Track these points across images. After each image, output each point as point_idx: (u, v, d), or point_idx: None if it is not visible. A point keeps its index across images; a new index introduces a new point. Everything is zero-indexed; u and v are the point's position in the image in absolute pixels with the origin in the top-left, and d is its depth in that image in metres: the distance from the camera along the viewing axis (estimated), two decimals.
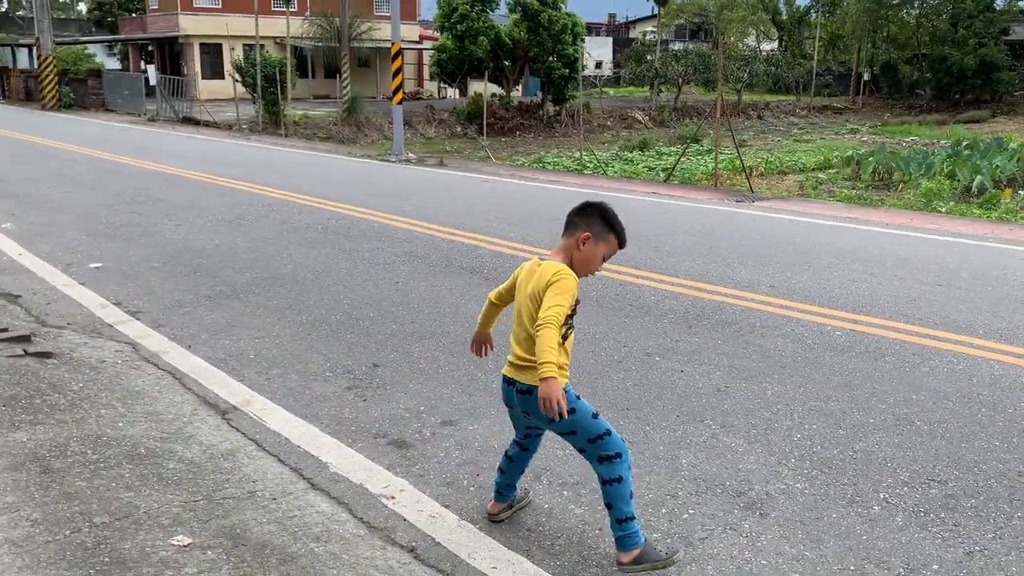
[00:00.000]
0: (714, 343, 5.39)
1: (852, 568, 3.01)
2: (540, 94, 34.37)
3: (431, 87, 43.85)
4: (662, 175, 16.61)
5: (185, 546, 2.93)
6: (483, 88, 30.32)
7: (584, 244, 3.00)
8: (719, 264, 7.52)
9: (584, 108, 32.85)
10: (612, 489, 2.98)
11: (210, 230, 8.92)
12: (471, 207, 10.81)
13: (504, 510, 3.35)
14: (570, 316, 2.94)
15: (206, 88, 35.94)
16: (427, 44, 40.09)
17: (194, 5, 38.96)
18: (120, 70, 43.56)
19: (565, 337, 2.96)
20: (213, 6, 39.21)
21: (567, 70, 30.79)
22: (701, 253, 8.00)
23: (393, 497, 3.48)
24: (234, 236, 8.61)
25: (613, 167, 19.82)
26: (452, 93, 39.40)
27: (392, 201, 11.12)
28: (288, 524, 3.20)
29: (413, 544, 3.15)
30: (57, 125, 24.87)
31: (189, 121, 26.96)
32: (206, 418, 4.21)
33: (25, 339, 5.13)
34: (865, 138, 28.34)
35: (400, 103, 17.59)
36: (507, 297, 3.23)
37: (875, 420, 4.23)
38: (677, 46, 50.35)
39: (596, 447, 3.00)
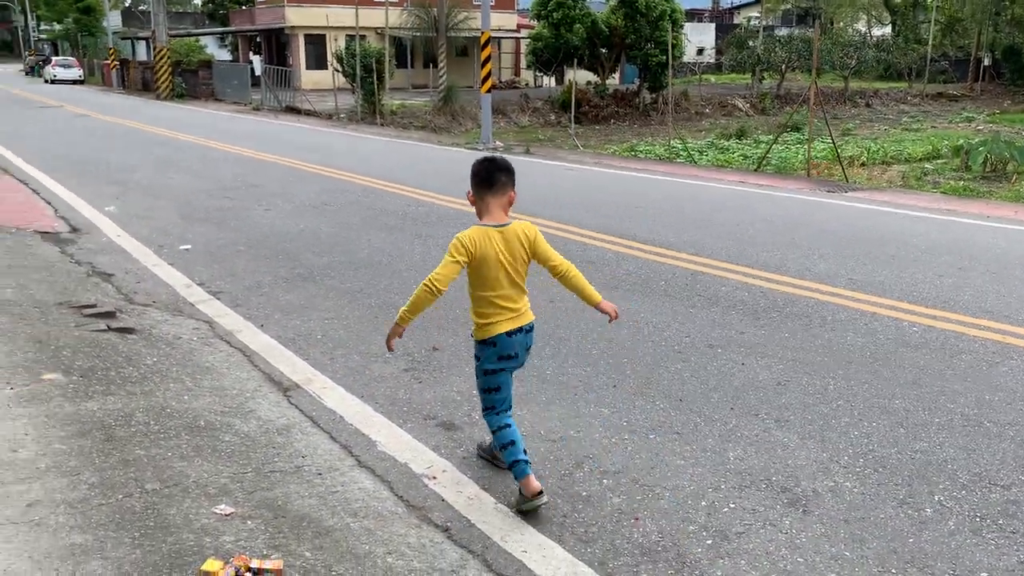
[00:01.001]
0: (780, 336, 5.24)
1: (893, 571, 2.89)
2: (637, 81, 33.94)
3: (527, 76, 43.89)
4: (755, 164, 16.17)
5: (227, 515, 3.06)
6: (577, 76, 30.13)
7: (514, 200, 3.51)
8: (798, 256, 7.29)
9: (682, 96, 32.32)
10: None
11: (296, 215, 9.22)
12: (549, 194, 10.79)
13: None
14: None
15: (309, 78, 37.04)
16: (524, 33, 40.13)
17: None
18: (230, 61, 45.30)
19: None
20: None
21: (665, 57, 30.27)
22: (781, 244, 7.77)
23: (435, 477, 3.54)
24: (318, 221, 8.87)
25: (707, 155, 19.39)
26: (548, 81, 39.34)
27: None
28: (329, 499, 3.30)
29: (448, 524, 3.20)
30: (168, 114, 26.10)
31: (291, 110, 27.84)
32: (268, 394, 4.37)
33: (110, 315, 5.44)
34: (981, 127, 26.80)
35: (489, 91, 17.67)
36: (454, 278, 3.37)
37: (940, 420, 4.04)
38: (783, 32, 48.78)
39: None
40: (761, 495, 3.40)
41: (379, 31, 34.37)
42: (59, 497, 3.05)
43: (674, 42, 29.87)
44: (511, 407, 3.45)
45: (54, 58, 55.56)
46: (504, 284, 3.41)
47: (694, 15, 60.53)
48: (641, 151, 20.37)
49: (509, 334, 3.42)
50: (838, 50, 36.88)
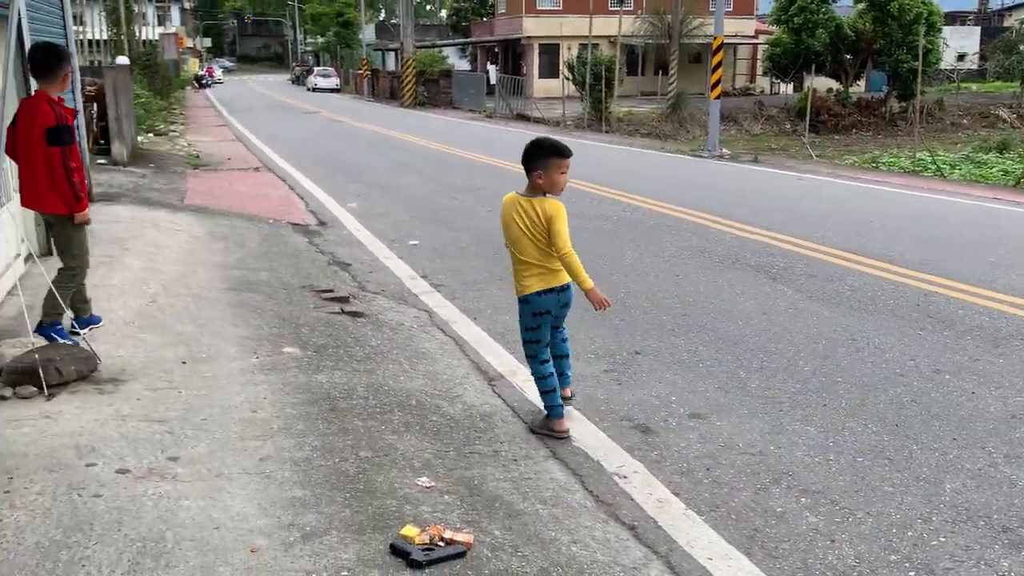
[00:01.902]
0: (1022, 366, 4.75)
1: None
2: (884, 89, 31.76)
3: (763, 83, 42.43)
4: (1015, 180, 14.62)
5: (427, 487, 3.29)
6: (817, 83, 28.71)
7: (541, 179, 3.78)
8: None
9: (935, 105, 29.82)
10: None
11: None
12: (773, 204, 10.41)
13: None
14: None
15: (541, 86, 38.11)
16: (762, 39, 38.82)
17: (537, 7, 41.42)
18: (469, 71, 47.65)
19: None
20: (554, 8, 41.40)
21: (917, 63, 28.10)
22: None
23: (626, 477, 3.58)
24: None
25: (959, 169, 17.81)
26: (785, 89, 37.79)
27: (691, 196, 11.07)
28: (522, 485, 3.44)
29: (634, 523, 3.23)
30: (409, 120, 27.92)
31: (521, 117, 28.81)
32: (475, 382, 4.61)
33: (344, 300, 5.96)
34: None
35: (718, 98, 17.31)
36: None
37: None
38: None
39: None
40: (978, 532, 3.12)
41: (612, 39, 34.74)
42: (286, 455, 3.42)
43: (929, 47, 27.67)
44: (550, 358, 3.96)
45: (315, 68, 61.20)
46: (527, 247, 3.83)
47: (956, 18, 55.57)
48: (884, 163, 19.08)
49: (539, 293, 3.87)
50: None
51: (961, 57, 50.18)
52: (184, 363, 4.36)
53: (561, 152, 3.81)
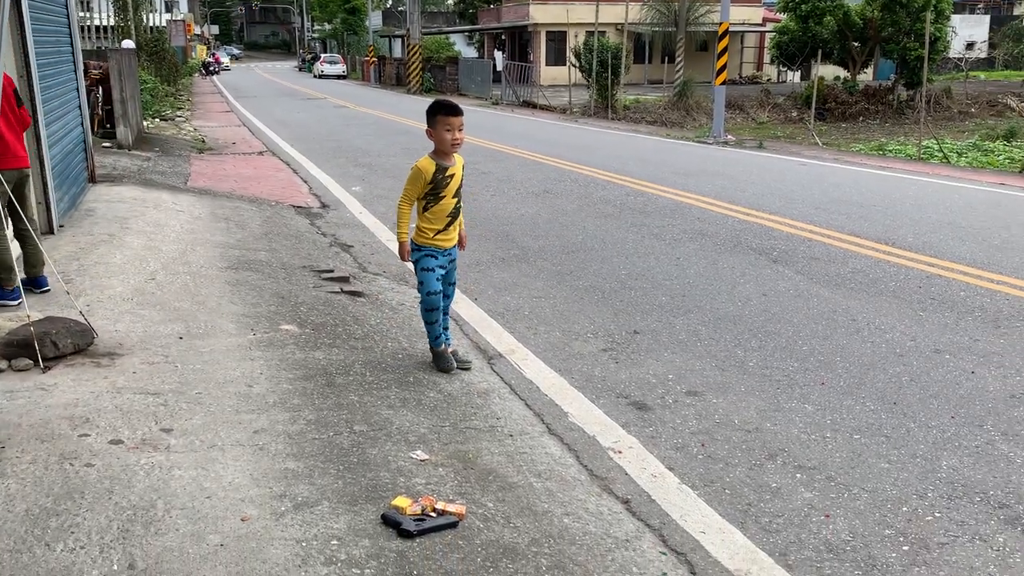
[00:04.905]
0: (1022, 346, 4.72)
1: None
2: (892, 77, 31.55)
3: (771, 71, 42.20)
4: (1021, 166, 14.51)
5: (422, 461, 3.28)
6: (824, 71, 28.53)
7: (430, 136, 4.19)
8: None
9: (943, 93, 29.61)
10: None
11: (519, 201, 9.54)
12: (775, 189, 10.35)
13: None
14: (431, 192, 4.17)
15: (547, 74, 37.97)
16: (769, 27, 38.59)
17: None
18: (476, 58, 47.48)
19: (428, 207, 4.19)
20: None
21: (925, 51, 27.89)
22: None
23: (620, 452, 3.57)
24: (538, 207, 9.13)
25: (966, 156, 17.69)
26: (792, 77, 37.59)
27: (694, 181, 11.03)
28: (517, 458, 3.43)
29: (628, 497, 3.22)
30: (414, 106, 27.81)
31: (527, 105, 28.71)
32: (474, 360, 4.59)
33: (344, 280, 5.95)
34: None
35: (723, 84, 17.21)
36: None
37: None
38: None
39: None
40: (974, 508, 3.11)
41: (619, 27, 34.55)
42: (280, 428, 3.42)
43: (937, 34, 27.46)
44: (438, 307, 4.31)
45: (322, 55, 61.10)
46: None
47: (964, 6, 55.10)
48: (890, 151, 18.96)
49: (417, 247, 4.31)
50: None
51: (970, 46, 49.76)
52: (181, 338, 4.36)
53: (445, 109, 4.10)
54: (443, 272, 4.29)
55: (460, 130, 4.14)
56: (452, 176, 4.22)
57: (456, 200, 4.26)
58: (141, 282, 5.29)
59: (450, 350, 4.41)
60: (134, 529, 2.63)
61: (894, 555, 2.84)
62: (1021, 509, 3.09)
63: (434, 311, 4.28)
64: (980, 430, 3.74)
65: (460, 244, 4.45)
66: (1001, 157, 17.60)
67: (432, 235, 4.21)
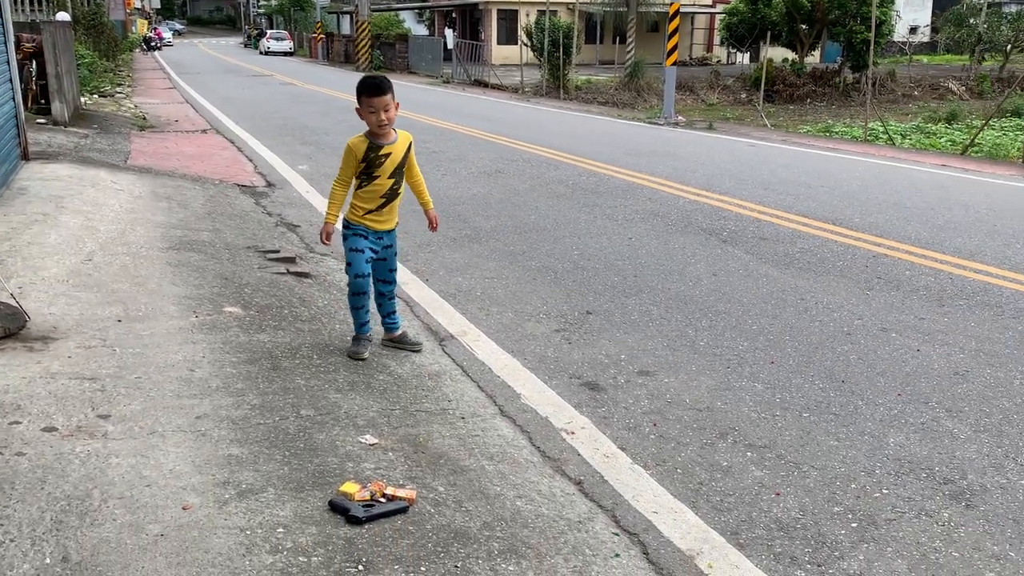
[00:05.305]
0: (965, 324, 4.81)
1: None
2: (839, 60, 32.01)
3: (720, 53, 42.51)
4: (962, 148, 14.86)
5: (371, 445, 3.21)
6: (773, 53, 28.83)
7: (359, 115, 3.98)
8: (998, 243, 6.65)
9: (888, 76, 30.15)
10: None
11: (470, 180, 9.45)
12: (725, 169, 10.42)
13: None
14: (365, 171, 4.02)
15: (498, 53, 37.68)
16: (719, 8, 38.84)
17: None
18: (427, 36, 46.93)
19: (361, 186, 4.05)
20: None
21: (871, 34, 28.33)
22: (980, 230, 7.11)
23: (573, 433, 3.54)
24: (490, 187, 9.05)
25: (910, 139, 18.07)
26: (742, 59, 37.90)
27: (646, 161, 11.05)
28: (468, 441, 3.38)
29: (581, 478, 3.19)
30: None
31: (479, 84, 28.48)
32: (424, 342, 4.52)
33: (290, 260, 5.82)
34: None
35: (674, 64, 17.25)
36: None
37: None
38: (1013, 8, 44.25)
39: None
40: (920, 484, 3.15)
41: (570, 6, 34.42)
42: (224, 414, 3.31)
43: (882, 18, 27.90)
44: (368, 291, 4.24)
45: (268, 31, 59.77)
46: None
47: None
48: (836, 132, 19.26)
49: (347, 224, 4.21)
50: None
51: (913, 30, 50.79)
52: (120, 321, 4.21)
53: (368, 90, 3.90)
54: (374, 255, 4.13)
55: (387, 110, 3.89)
56: (388, 156, 4.02)
57: (392, 181, 4.06)
58: (77, 263, 5.10)
59: (398, 333, 4.33)
60: (68, 520, 2.51)
61: (843, 532, 2.86)
62: (965, 484, 3.14)
63: (361, 295, 4.15)
64: (925, 407, 3.79)
65: (430, 225, 4.41)
66: (943, 139, 18.01)
67: (362, 214, 4.08)
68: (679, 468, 3.28)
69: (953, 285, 5.56)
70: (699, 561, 2.70)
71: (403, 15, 46.79)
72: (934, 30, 50.43)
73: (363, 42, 35.48)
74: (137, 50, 47.21)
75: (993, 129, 18.06)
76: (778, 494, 3.09)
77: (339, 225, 4.23)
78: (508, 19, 40.38)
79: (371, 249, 4.12)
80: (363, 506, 2.71)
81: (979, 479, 3.17)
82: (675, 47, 17.16)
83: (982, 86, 31.41)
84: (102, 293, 4.59)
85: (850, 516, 2.95)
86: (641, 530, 2.87)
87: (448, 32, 39.95)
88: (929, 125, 21.17)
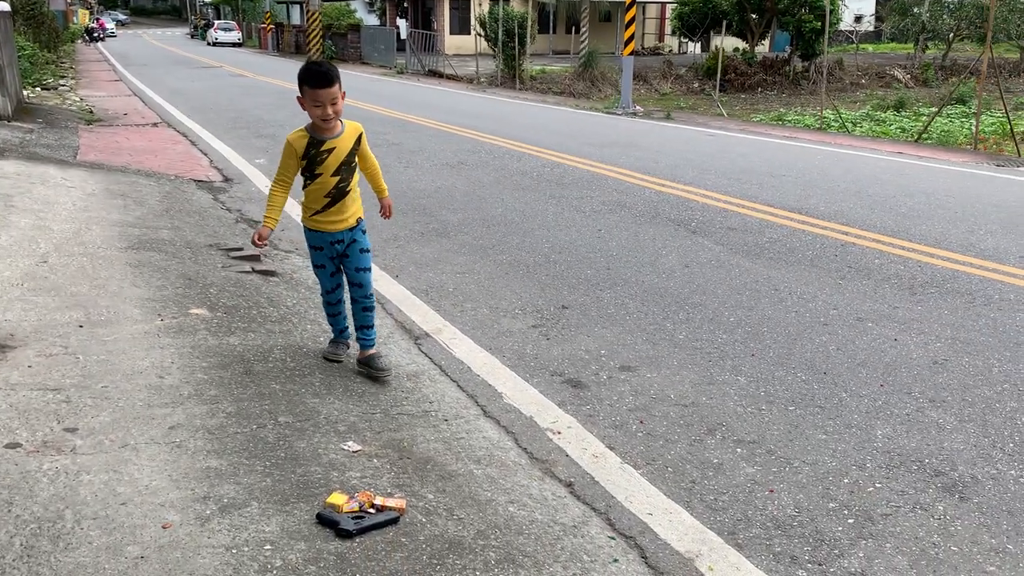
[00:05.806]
0: (939, 313, 4.85)
1: None
2: (788, 49, 32.39)
3: (672, 42, 42.75)
4: (915, 136, 15.13)
5: (354, 452, 3.09)
6: (724, 43, 29.04)
7: (303, 107, 3.60)
8: (961, 230, 6.74)
9: (836, 65, 30.58)
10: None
11: (434, 173, 9.31)
12: (687, 159, 10.43)
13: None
14: (306, 169, 3.71)
15: (452, 43, 37.41)
16: None
17: None
18: (379, 26, 46.38)
19: (305, 185, 3.77)
20: None
21: (819, 23, 28.71)
22: (942, 217, 7.20)
23: (559, 433, 3.46)
24: (454, 179, 8.92)
25: (861, 127, 18.35)
26: (693, 48, 38.17)
27: (608, 152, 11.01)
28: (454, 444, 3.29)
29: (571, 480, 3.12)
30: None
31: (433, 74, 28.24)
32: (399, 341, 4.41)
33: (255, 258, 5.64)
34: None
35: (631, 55, 17.26)
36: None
37: None
38: None
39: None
40: (912, 477, 3.14)
41: None
42: (198, 423, 3.16)
43: (831, 7, 28.26)
44: (334, 288, 4.00)
45: (216, 22, 58.56)
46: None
47: None
48: (789, 120, 19.47)
49: (305, 227, 3.96)
50: (1016, 17, 33.91)
51: (858, 19, 51.64)
52: (81, 327, 4.01)
53: (312, 80, 3.50)
54: (335, 261, 3.85)
55: (334, 103, 3.52)
56: (331, 151, 3.63)
57: (337, 179, 3.67)
58: (31, 266, 4.86)
59: (370, 352, 3.89)
60: (40, 545, 2.36)
61: (840, 528, 2.83)
62: (956, 476, 3.14)
63: (334, 304, 3.99)
64: (909, 397, 3.79)
65: (382, 212, 4.14)
66: (893, 127, 18.32)
67: (309, 215, 3.78)
68: (670, 467, 3.23)
69: (923, 273, 5.60)
70: (699, 563, 2.65)
71: (354, 5, 46.21)
72: (879, 19, 51.38)
73: (315, 32, 34.89)
74: (79, 41, 45.89)
75: (940, 116, 18.42)
76: (772, 491, 3.05)
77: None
78: (461, 9, 40.09)
79: (329, 258, 3.84)
80: (352, 518, 2.60)
81: (969, 470, 3.17)
82: (631, 37, 17.16)
83: (926, 74, 32.07)
84: (60, 297, 4.38)
85: (846, 512, 2.93)
86: (637, 533, 2.80)
87: (400, 22, 39.51)
88: (878, 113, 21.54)
